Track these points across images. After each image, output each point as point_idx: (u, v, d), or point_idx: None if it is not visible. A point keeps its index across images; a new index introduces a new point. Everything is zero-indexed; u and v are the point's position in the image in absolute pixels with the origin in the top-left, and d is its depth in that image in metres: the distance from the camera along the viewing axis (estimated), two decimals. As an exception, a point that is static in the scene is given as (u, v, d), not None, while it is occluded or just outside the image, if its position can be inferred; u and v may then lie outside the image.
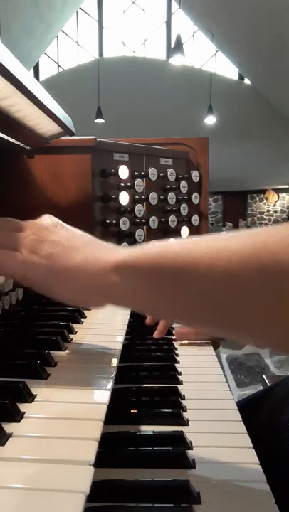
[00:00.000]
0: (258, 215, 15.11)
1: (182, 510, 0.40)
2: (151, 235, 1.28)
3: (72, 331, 0.69)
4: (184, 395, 0.63)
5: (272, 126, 11.58)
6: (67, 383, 0.50)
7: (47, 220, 0.58)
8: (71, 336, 0.67)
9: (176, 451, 0.48)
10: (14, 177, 1.12)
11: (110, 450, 0.47)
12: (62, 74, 12.31)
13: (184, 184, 1.35)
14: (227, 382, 0.68)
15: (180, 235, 1.35)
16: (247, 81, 12.05)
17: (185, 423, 0.55)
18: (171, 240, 0.49)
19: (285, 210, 14.92)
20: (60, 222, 0.58)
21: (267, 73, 10.44)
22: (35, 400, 0.45)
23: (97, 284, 0.51)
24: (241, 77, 12.12)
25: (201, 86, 10.93)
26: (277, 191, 14.66)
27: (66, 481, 0.33)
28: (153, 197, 1.26)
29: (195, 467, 0.47)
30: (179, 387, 0.64)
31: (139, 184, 1.22)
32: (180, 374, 0.71)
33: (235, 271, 0.40)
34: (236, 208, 14.73)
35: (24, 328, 0.70)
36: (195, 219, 1.37)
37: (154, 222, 1.27)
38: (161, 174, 1.27)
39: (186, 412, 0.58)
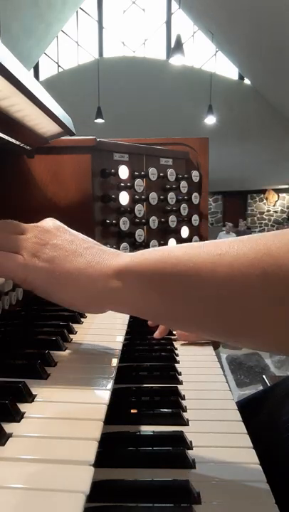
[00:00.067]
0: (258, 215, 15.12)
1: (182, 510, 0.40)
2: (151, 235, 1.28)
3: (72, 331, 0.69)
4: (184, 395, 0.63)
5: (272, 126, 11.58)
6: (67, 383, 0.50)
7: (49, 223, 0.57)
8: (71, 336, 0.67)
9: (176, 451, 0.48)
10: (14, 177, 1.12)
11: (110, 450, 0.47)
12: (62, 74, 12.32)
13: (184, 184, 1.35)
14: (227, 382, 0.68)
15: (180, 235, 1.36)
16: (247, 81, 12.05)
17: (185, 423, 0.55)
18: (172, 244, 0.49)
19: (285, 210, 14.92)
20: (63, 225, 0.58)
21: (267, 73, 10.44)
22: (35, 400, 0.45)
23: (98, 289, 0.51)
24: (241, 77, 12.13)
25: (201, 86, 10.94)
26: (277, 191, 14.67)
27: (66, 481, 0.33)
28: (153, 197, 1.26)
29: (195, 467, 0.47)
30: (179, 387, 0.64)
31: (139, 184, 1.22)
32: (180, 374, 0.71)
33: (237, 276, 0.40)
34: (236, 208, 14.73)
35: (24, 328, 0.70)
36: (195, 219, 1.37)
37: (154, 222, 1.27)
38: (161, 174, 1.28)
39: (186, 412, 0.58)
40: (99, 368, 0.55)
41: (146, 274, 0.48)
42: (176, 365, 0.74)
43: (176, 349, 0.83)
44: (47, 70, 12.62)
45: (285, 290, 0.38)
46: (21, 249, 0.53)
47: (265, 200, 14.97)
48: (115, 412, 0.52)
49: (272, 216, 15.03)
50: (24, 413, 0.42)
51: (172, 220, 1.33)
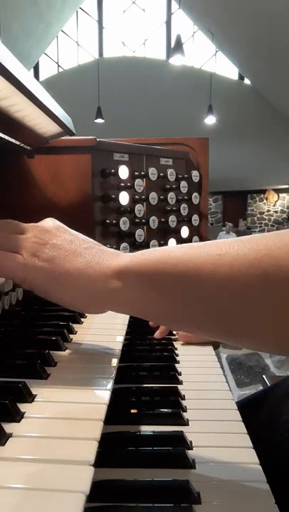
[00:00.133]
0: (258, 215, 15.12)
1: (182, 510, 0.40)
2: (151, 235, 1.28)
3: (72, 331, 0.69)
4: (184, 395, 0.63)
5: (272, 126, 11.58)
6: (67, 383, 0.50)
7: (49, 223, 0.57)
8: (71, 335, 0.67)
9: (176, 451, 0.48)
10: (14, 177, 1.12)
11: (110, 450, 0.47)
12: (62, 74, 12.32)
13: (184, 184, 1.35)
14: (227, 382, 0.68)
15: (180, 235, 1.36)
16: (247, 81, 12.06)
17: (185, 423, 0.55)
18: (172, 244, 0.49)
19: (285, 210, 14.92)
20: (63, 225, 0.58)
21: (267, 73, 10.44)
22: (35, 400, 0.45)
23: (97, 289, 0.51)
24: (241, 77, 12.13)
25: (201, 86, 10.94)
26: (277, 191, 14.67)
27: (66, 481, 0.33)
28: (153, 197, 1.26)
29: (195, 467, 0.47)
30: (179, 387, 0.64)
31: (139, 184, 1.22)
32: (180, 374, 0.71)
33: (238, 277, 0.40)
34: (236, 208, 14.74)
35: (24, 328, 0.70)
36: (195, 219, 1.37)
37: (154, 222, 1.27)
38: (161, 174, 1.28)
39: (186, 412, 0.58)
40: (99, 367, 0.55)
41: (146, 275, 0.48)
42: (176, 365, 0.74)
43: (176, 349, 0.83)
44: (47, 70, 12.62)
45: (285, 291, 0.38)
46: (21, 249, 0.53)
47: (265, 200, 14.97)
48: (115, 412, 0.52)
49: (272, 216, 15.03)
50: (24, 413, 0.42)
51: (172, 220, 1.33)
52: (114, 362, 0.57)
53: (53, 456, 0.36)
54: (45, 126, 0.93)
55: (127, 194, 1.19)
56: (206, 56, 12.27)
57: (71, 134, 1.01)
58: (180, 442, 0.50)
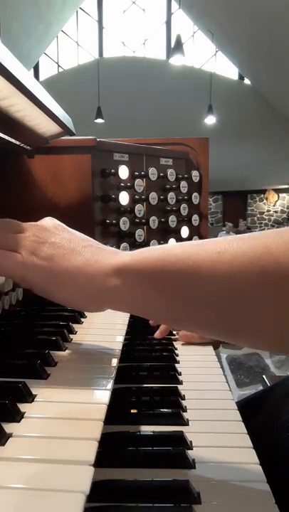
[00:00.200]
0: (258, 215, 15.12)
1: (182, 510, 0.40)
2: (151, 235, 1.28)
3: (72, 331, 0.69)
4: (184, 395, 0.63)
5: (272, 126, 11.58)
6: (68, 383, 0.50)
7: (48, 222, 0.57)
8: (71, 335, 0.67)
9: (176, 451, 0.48)
10: (14, 177, 1.12)
11: (110, 450, 0.47)
12: (62, 74, 12.32)
13: (184, 184, 1.35)
14: (227, 382, 0.68)
15: (180, 235, 1.36)
16: (247, 81, 12.05)
17: (185, 423, 0.55)
18: (172, 243, 0.49)
19: (285, 210, 14.92)
20: (62, 224, 0.58)
21: (267, 73, 10.44)
22: (35, 400, 0.45)
23: (96, 287, 0.51)
24: (241, 77, 12.13)
25: (201, 86, 10.94)
26: (277, 191, 14.67)
27: (66, 481, 0.33)
28: (153, 197, 1.26)
29: (195, 467, 0.47)
30: (179, 387, 0.64)
31: (139, 184, 1.22)
32: (180, 374, 0.71)
33: (237, 274, 0.40)
34: (236, 208, 14.74)
35: (24, 328, 0.70)
36: (195, 219, 1.37)
37: (154, 222, 1.27)
38: (161, 174, 1.28)
39: (186, 412, 0.58)
40: (99, 367, 0.55)
41: (146, 273, 0.48)
42: (176, 365, 0.74)
43: (176, 349, 0.83)
44: (47, 70, 12.62)
45: (285, 289, 0.38)
46: (20, 248, 0.53)
47: (265, 200, 14.97)
48: (115, 412, 0.52)
49: (272, 216, 15.03)
50: (24, 413, 0.42)
51: (172, 220, 1.33)
52: (114, 362, 0.57)
53: (53, 456, 0.36)
54: (45, 126, 0.93)
55: (127, 194, 1.19)
56: (206, 56, 12.27)
57: (71, 134, 1.01)
58: (180, 442, 0.50)
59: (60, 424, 0.41)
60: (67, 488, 0.32)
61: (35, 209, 1.09)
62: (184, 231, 1.37)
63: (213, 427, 0.55)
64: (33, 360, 0.52)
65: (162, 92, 11.26)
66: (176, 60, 7.63)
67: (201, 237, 1.40)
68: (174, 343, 0.86)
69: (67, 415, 0.43)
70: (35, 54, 11.71)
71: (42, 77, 12.36)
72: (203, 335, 0.81)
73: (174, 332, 0.90)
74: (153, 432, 0.52)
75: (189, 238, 1.37)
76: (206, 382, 0.69)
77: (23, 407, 0.43)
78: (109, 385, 0.49)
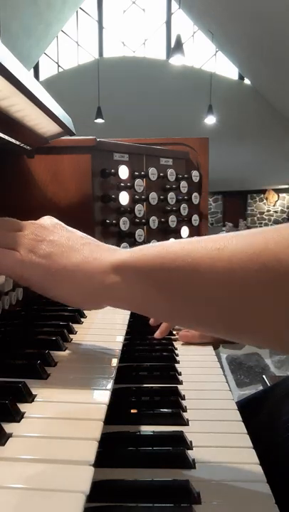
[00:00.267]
0: (258, 215, 15.12)
1: (182, 510, 0.40)
2: (151, 235, 1.28)
3: (72, 331, 0.69)
4: (184, 395, 0.63)
5: (272, 126, 11.57)
6: (68, 383, 0.50)
7: (47, 220, 0.58)
8: (71, 335, 0.67)
9: (176, 451, 0.48)
10: (14, 177, 1.12)
11: (110, 450, 0.47)
12: (62, 74, 12.31)
13: (184, 184, 1.35)
14: (227, 382, 0.68)
15: (180, 235, 1.36)
16: (247, 81, 12.05)
17: (185, 423, 0.55)
18: (172, 241, 0.49)
19: (285, 210, 14.92)
20: (60, 222, 0.58)
21: (267, 73, 10.44)
22: (35, 400, 0.45)
23: (95, 284, 0.51)
24: (241, 77, 12.13)
25: (201, 86, 10.93)
26: (277, 191, 14.67)
27: (66, 481, 0.33)
28: (153, 197, 1.26)
29: (195, 467, 0.47)
30: (179, 387, 0.64)
31: (139, 184, 1.22)
32: (180, 374, 0.71)
33: (237, 271, 0.40)
34: (236, 208, 14.73)
35: (24, 328, 0.70)
36: (195, 219, 1.37)
37: (154, 222, 1.27)
38: (161, 174, 1.28)
39: (186, 412, 0.58)
40: (99, 367, 0.55)
41: (144, 270, 0.48)
42: (176, 365, 0.74)
43: (176, 349, 0.83)
44: (47, 70, 12.61)
45: (285, 285, 0.38)
46: (18, 246, 0.54)
47: (265, 200, 14.97)
48: (115, 412, 0.52)
49: (272, 216, 15.02)
50: (24, 413, 0.42)
51: (172, 220, 1.33)
52: (114, 362, 0.57)
53: (53, 456, 0.36)
54: (45, 126, 0.93)
55: (127, 194, 1.19)
56: (206, 56, 12.26)
57: (71, 134, 1.01)
58: (180, 442, 0.50)
59: (60, 424, 0.41)
60: (67, 488, 0.32)
61: (35, 209, 1.09)
62: (184, 231, 1.37)
63: (213, 427, 0.55)
64: (33, 360, 0.52)
65: (162, 92, 11.26)
66: (176, 60, 7.63)
67: (201, 237, 1.40)
68: (174, 343, 0.86)
69: (67, 415, 0.43)
70: (35, 54, 11.70)
71: (42, 77, 12.36)
72: (204, 332, 0.81)
73: (174, 332, 0.90)
74: (153, 432, 0.52)
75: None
76: (206, 382, 0.69)
77: (23, 407, 0.43)
78: (109, 385, 0.49)
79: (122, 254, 0.51)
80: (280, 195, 14.77)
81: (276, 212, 15.01)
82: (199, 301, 0.44)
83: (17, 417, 0.41)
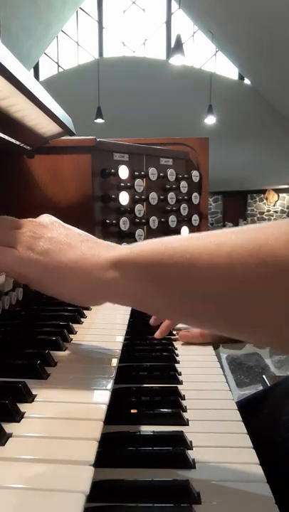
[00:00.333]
0: (258, 215, 15.12)
1: (182, 510, 0.40)
2: (151, 235, 1.28)
3: (72, 331, 0.69)
4: (184, 395, 0.63)
5: (272, 126, 11.57)
6: (68, 383, 0.50)
7: (45, 218, 0.58)
8: (71, 335, 0.67)
9: (176, 451, 0.48)
10: (14, 177, 1.12)
11: (110, 450, 0.47)
12: (62, 74, 12.31)
13: (184, 184, 1.35)
14: (227, 382, 0.68)
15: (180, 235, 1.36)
16: (247, 81, 12.05)
17: (185, 423, 0.55)
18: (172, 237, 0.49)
19: (285, 210, 14.92)
20: (59, 220, 0.58)
21: (267, 73, 10.44)
22: (35, 400, 0.45)
23: (93, 280, 0.50)
24: (241, 77, 12.12)
25: (201, 86, 10.93)
26: (277, 191, 14.66)
27: (66, 481, 0.33)
28: (153, 197, 1.26)
29: (195, 467, 0.47)
30: (179, 387, 0.64)
31: (139, 184, 1.22)
32: (180, 374, 0.71)
33: (236, 266, 0.40)
34: (236, 208, 14.73)
35: (24, 328, 0.70)
36: (195, 219, 1.37)
37: (154, 222, 1.27)
38: (161, 174, 1.28)
39: (186, 412, 0.58)
40: (99, 367, 0.55)
41: (143, 265, 0.47)
42: (176, 365, 0.74)
43: (176, 349, 0.83)
44: (47, 70, 12.61)
45: (285, 281, 0.37)
46: (16, 243, 0.54)
47: (265, 200, 14.97)
48: (115, 412, 0.52)
49: (272, 216, 15.02)
50: (24, 413, 0.42)
51: (172, 220, 1.33)
52: (114, 362, 0.57)
53: (53, 456, 0.36)
54: (45, 126, 0.93)
55: (127, 194, 1.19)
56: (206, 56, 12.26)
57: (71, 134, 1.01)
58: (180, 442, 0.50)
59: (60, 424, 0.41)
60: (67, 488, 0.32)
61: (35, 209, 1.09)
62: (184, 231, 1.37)
63: (213, 427, 0.55)
64: (33, 360, 0.52)
65: (162, 92, 11.25)
66: (176, 60, 7.63)
67: (201, 237, 1.40)
68: (174, 343, 0.86)
69: (67, 415, 0.43)
70: (35, 54, 11.70)
71: (42, 77, 12.36)
72: (204, 329, 0.81)
73: (174, 332, 0.90)
74: (153, 432, 0.52)
75: (189, 238, 1.37)
76: (206, 382, 0.69)
77: (23, 407, 0.43)
78: (109, 385, 0.49)
79: (120, 250, 0.51)
80: (280, 195, 14.76)
81: (276, 212, 15.01)
82: (197, 296, 0.44)
83: (17, 417, 0.41)
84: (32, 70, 12.20)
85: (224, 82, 11.71)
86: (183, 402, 0.60)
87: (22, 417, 0.42)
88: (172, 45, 8.35)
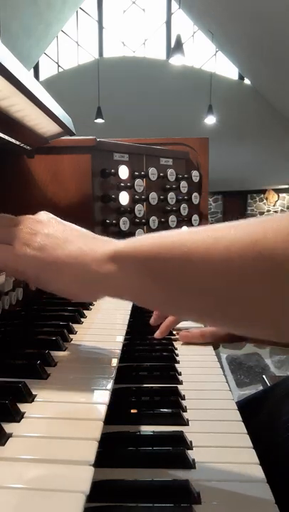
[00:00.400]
0: (258, 215, 15.10)
1: (182, 510, 0.40)
2: (151, 235, 1.28)
3: (72, 331, 0.69)
4: (183, 395, 0.63)
5: (272, 126, 11.57)
6: (67, 383, 0.50)
7: (42, 215, 0.58)
8: (71, 335, 0.67)
9: (176, 451, 0.48)
10: (14, 177, 1.12)
11: (110, 450, 0.47)
12: (62, 74, 12.31)
13: (184, 184, 1.35)
14: (227, 382, 0.68)
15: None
16: (247, 81, 12.04)
17: (185, 423, 0.55)
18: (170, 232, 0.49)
19: (285, 210, 14.91)
20: (56, 217, 0.58)
21: (267, 73, 10.44)
22: (35, 400, 0.45)
23: (91, 274, 0.50)
24: (241, 77, 12.12)
25: (201, 86, 10.93)
26: (277, 191, 14.66)
27: (66, 481, 0.33)
28: (153, 197, 1.26)
29: (195, 467, 0.47)
30: (179, 387, 0.64)
31: (139, 184, 1.22)
32: (180, 374, 0.71)
33: (235, 260, 0.40)
34: (236, 208, 14.73)
35: (24, 328, 0.70)
36: (195, 219, 1.37)
37: (154, 222, 1.27)
38: (161, 174, 1.28)
39: (186, 412, 0.58)
40: (99, 368, 0.55)
41: (140, 259, 0.47)
42: (176, 365, 0.74)
43: (176, 349, 0.83)
44: (47, 70, 12.60)
45: (281, 275, 0.37)
46: (13, 240, 0.54)
47: (265, 200, 14.97)
48: (115, 412, 0.52)
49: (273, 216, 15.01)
50: (24, 413, 0.42)
51: (172, 220, 1.33)
52: (114, 362, 0.57)
53: (53, 456, 0.36)
54: (45, 126, 0.93)
55: (127, 194, 1.19)
56: (206, 56, 12.25)
57: (71, 134, 1.01)
58: (180, 442, 0.50)
59: (60, 424, 0.41)
60: (67, 488, 0.32)
61: (35, 209, 1.09)
62: (184, 231, 1.37)
63: (213, 427, 0.55)
64: (33, 360, 0.52)
65: (162, 92, 11.25)
66: (176, 60, 7.62)
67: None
68: (174, 343, 0.86)
69: (67, 415, 0.43)
70: (35, 54, 11.70)
71: (42, 77, 12.35)
72: (204, 323, 0.80)
73: (174, 332, 0.90)
74: (153, 432, 0.52)
75: (189, 238, 1.37)
76: (206, 382, 0.69)
77: (23, 407, 0.43)
78: (109, 385, 0.49)
79: (118, 244, 0.51)
80: (280, 195, 14.76)
81: (276, 212, 15.00)
82: (195, 290, 0.44)
83: (17, 417, 0.41)
84: (32, 70, 12.20)
85: (224, 82, 11.71)
86: (183, 402, 0.60)
87: (22, 417, 0.42)
88: (172, 45, 8.35)
